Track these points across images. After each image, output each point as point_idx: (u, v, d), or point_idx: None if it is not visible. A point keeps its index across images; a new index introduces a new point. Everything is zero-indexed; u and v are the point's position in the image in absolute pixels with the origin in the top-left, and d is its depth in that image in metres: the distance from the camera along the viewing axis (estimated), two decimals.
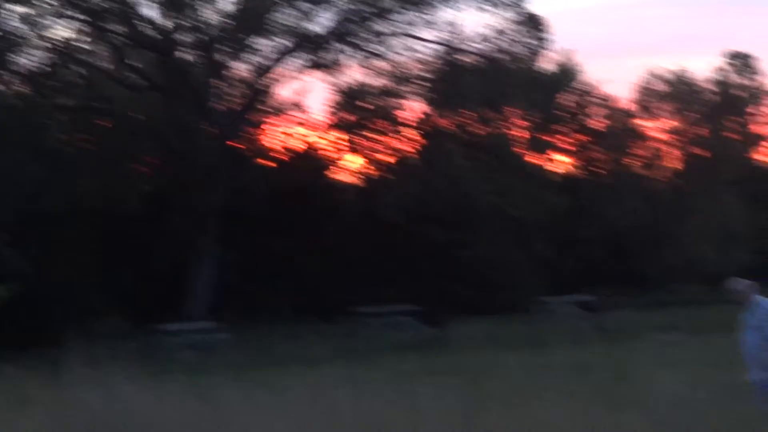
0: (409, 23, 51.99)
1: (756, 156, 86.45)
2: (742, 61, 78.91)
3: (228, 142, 50.59)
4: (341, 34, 51.41)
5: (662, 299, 61.39)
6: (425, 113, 61.42)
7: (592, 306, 48.56)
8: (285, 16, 49.57)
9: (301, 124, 58.22)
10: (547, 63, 64.72)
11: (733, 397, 13.60)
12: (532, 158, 66.08)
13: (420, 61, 55.15)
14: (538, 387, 14.61)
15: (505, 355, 28.03)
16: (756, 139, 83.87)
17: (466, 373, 21.21)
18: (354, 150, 60.87)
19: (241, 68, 51.41)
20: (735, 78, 79.05)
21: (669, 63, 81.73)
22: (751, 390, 12.43)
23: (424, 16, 51.86)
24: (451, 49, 54.34)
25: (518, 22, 55.05)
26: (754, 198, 75.71)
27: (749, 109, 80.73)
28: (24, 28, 45.63)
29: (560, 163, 73.06)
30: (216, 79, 50.22)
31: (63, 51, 48.37)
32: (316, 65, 52.42)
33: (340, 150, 61.13)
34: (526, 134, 64.91)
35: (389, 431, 11.35)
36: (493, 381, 16.64)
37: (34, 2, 45.15)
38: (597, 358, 26.05)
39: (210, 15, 49.04)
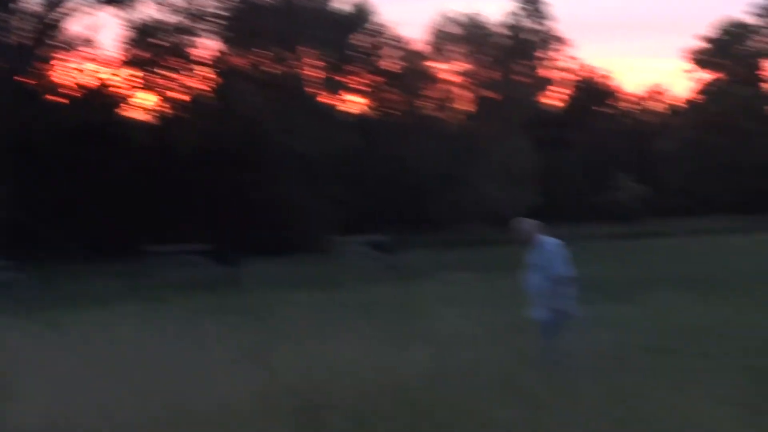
0: None
1: (544, 99, 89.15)
2: (532, 6, 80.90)
3: (17, 77, 48.77)
4: None
5: (452, 239, 62.71)
6: (220, 51, 60.75)
7: (384, 246, 49.10)
8: None
9: (93, 60, 56.73)
10: (341, 3, 64.90)
11: (514, 334, 14.06)
12: (325, 98, 66.21)
13: None
14: (328, 325, 14.75)
15: (297, 295, 28.13)
16: (544, 83, 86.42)
17: (256, 311, 21.21)
18: (147, 88, 59.76)
19: (31, 1, 49.55)
20: (526, 23, 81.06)
21: (462, 6, 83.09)
22: (534, 327, 12.83)
23: None
24: None
25: None
26: (542, 141, 78.15)
27: (538, 54, 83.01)
28: None
29: (354, 103, 73.58)
30: (4, 12, 48.19)
31: None
32: (109, 0, 51.06)
33: (133, 87, 59.92)
34: (321, 74, 64.93)
35: (177, 368, 11.28)
36: (284, 320, 16.71)
37: None
38: (387, 297, 26.42)
39: None
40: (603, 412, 8.80)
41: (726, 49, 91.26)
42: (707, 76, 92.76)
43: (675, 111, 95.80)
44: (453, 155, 70.85)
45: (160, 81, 58.62)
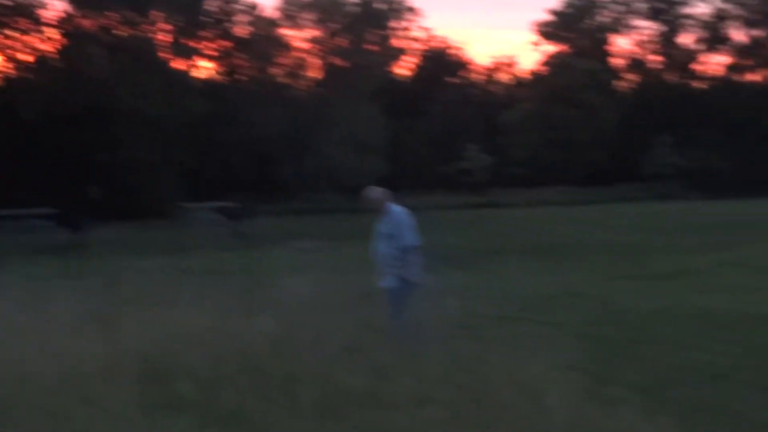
0: None
1: (394, 69, 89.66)
2: None
3: None
4: None
5: (302, 207, 62.72)
6: (68, 13, 59.31)
7: (233, 213, 48.88)
8: None
9: None
10: None
11: (362, 302, 14.18)
12: (175, 63, 65.32)
13: None
14: (176, 291, 14.60)
15: (144, 260, 27.83)
16: (395, 53, 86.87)
17: (103, 277, 20.87)
18: None
19: None
20: None
21: None
22: (382, 296, 12.94)
23: None
24: None
25: None
26: (392, 110, 78.63)
27: (390, 23, 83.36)
28: None
29: (204, 68, 72.81)
30: None
31: None
32: None
33: None
34: (171, 38, 63.99)
35: (20, 333, 11.04)
36: (131, 285, 16.48)
37: None
38: (235, 264, 26.34)
39: None
40: (447, 379, 8.95)
41: (572, 23, 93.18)
42: (553, 48, 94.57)
43: (521, 83, 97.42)
44: (303, 123, 70.72)
45: (5, 41, 56.93)
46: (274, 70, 75.86)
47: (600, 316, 16.05)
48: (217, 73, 73.93)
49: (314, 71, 78.76)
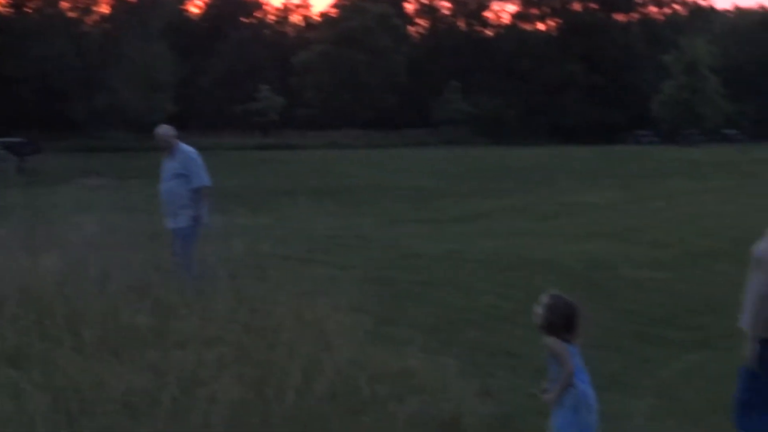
0: None
1: (186, 6, 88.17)
2: None
3: None
4: None
5: (91, 144, 61.29)
6: None
7: (19, 148, 47.29)
8: None
9: None
10: None
11: (150, 241, 14.03)
12: None
13: None
14: None
15: None
16: None
17: None
18: None
19: None
20: None
21: None
22: (169, 235, 12.84)
23: None
24: None
25: None
26: (183, 48, 77.38)
27: None
28: None
29: None
30: None
31: None
32: None
33: None
34: None
35: None
36: None
37: None
38: (20, 201, 25.56)
39: None
40: (234, 319, 9.00)
41: None
42: None
43: (313, 25, 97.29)
44: (92, 59, 68.89)
45: None
46: (63, 4, 73.44)
47: (387, 259, 16.34)
48: (3, 5, 71.06)
49: (104, 6, 76.64)
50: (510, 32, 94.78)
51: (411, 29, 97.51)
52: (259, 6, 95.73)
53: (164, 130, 13.06)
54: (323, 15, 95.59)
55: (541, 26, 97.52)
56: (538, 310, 6.79)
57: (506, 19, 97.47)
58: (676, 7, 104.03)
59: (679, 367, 10.20)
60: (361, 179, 40.08)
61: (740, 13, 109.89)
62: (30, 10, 71.34)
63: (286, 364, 7.48)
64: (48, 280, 9.88)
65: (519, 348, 10.48)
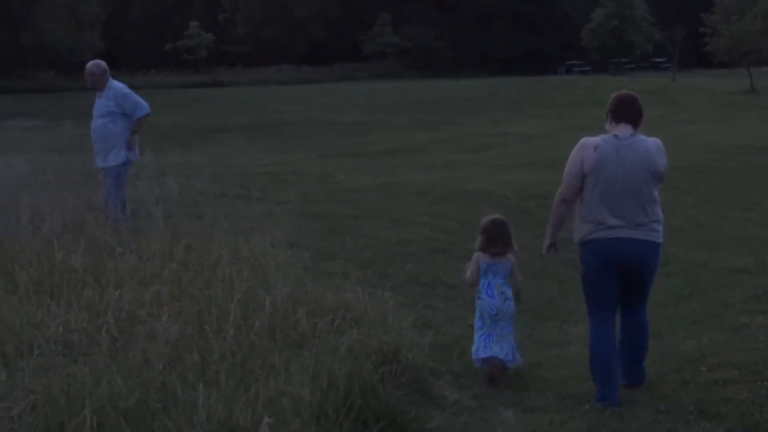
0: None
1: None
2: None
3: None
4: None
5: (17, 85, 60.20)
6: None
7: None
8: None
9: None
10: None
11: (80, 180, 13.91)
12: None
13: None
14: None
15: None
16: None
17: None
18: None
19: None
20: None
21: None
22: (100, 174, 12.68)
23: None
24: None
25: None
26: None
27: None
28: None
29: None
30: None
31: None
32: None
33: None
34: None
35: None
36: None
37: None
38: None
39: None
40: (165, 255, 8.98)
41: None
42: None
43: None
44: None
45: None
46: None
47: (322, 194, 16.38)
48: None
49: None
50: None
51: None
52: None
53: (93, 64, 12.81)
54: None
55: None
56: None
57: None
58: None
59: None
60: (294, 115, 39.93)
61: None
62: None
63: (223, 301, 7.50)
64: None
65: (455, 279, 10.57)
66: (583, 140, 7.18)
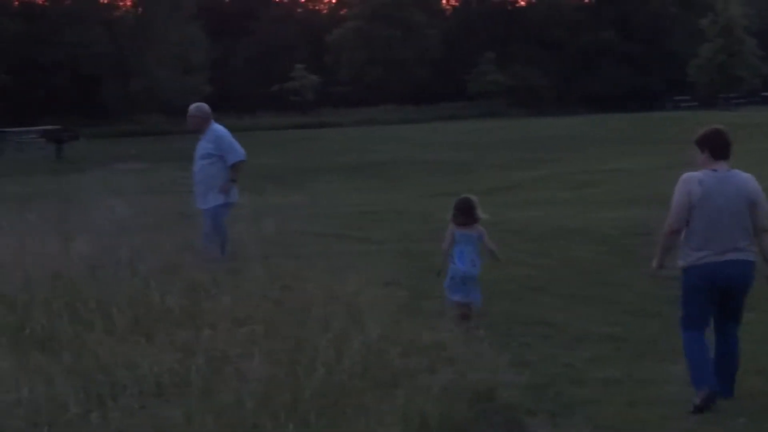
0: None
1: None
2: None
3: None
4: None
5: (126, 129, 61.54)
6: None
7: (56, 136, 47.55)
8: None
9: None
10: None
11: (181, 222, 14.06)
12: None
13: None
14: None
15: None
16: None
17: None
18: None
19: None
20: None
21: None
22: (200, 215, 12.80)
23: None
24: None
25: None
26: (215, 29, 77.47)
27: None
28: None
29: None
30: None
31: None
32: None
33: None
34: None
35: None
36: None
37: None
38: (56, 188, 25.75)
39: None
40: (265, 297, 8.98)
41: None
42: None
43: (344, 1, 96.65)
44: (125, 43, 69.08)
45: None
46: None
47: (421, 233, 16.29)
48: None
49: None
50: (542, 1, 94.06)
51: (443, 2, 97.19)
52: None
53: (196, 107, 12.92)
54: None
55: None
56: None
57: None
58: None
59: None
60: (396, 154, 39.99)
61: None
62: None
63: (316, 340, 7.44)
64: (79, 264, 9.91)
65: (553, 317, 10.41)
66: (687, 175, 7.93)
